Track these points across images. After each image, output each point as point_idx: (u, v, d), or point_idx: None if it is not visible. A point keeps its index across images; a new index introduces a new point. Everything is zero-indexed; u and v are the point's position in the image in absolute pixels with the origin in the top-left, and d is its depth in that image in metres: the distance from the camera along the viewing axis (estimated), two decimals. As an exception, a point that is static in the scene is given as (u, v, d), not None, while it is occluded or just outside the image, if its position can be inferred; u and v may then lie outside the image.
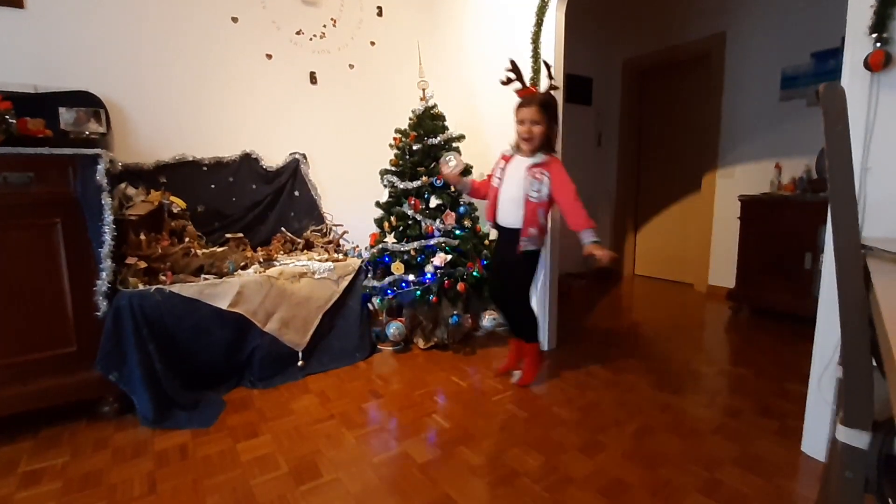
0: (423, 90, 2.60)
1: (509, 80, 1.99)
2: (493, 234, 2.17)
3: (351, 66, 2.99)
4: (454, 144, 2.58)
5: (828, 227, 1.31)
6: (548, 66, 2.10)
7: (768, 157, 3.29)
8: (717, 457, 1.53)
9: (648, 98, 4.27)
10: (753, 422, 1.74)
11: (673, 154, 4.11)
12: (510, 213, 1.95)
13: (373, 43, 3.07)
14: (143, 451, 1.59)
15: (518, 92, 1.97)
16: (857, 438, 0.74)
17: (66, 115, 1.92)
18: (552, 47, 2.32)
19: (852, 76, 1.36)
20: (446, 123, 2.59)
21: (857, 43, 1.34)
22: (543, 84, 2.19)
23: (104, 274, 1.73)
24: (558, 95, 2.35)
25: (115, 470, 1.48)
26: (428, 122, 2.53)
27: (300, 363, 2.19)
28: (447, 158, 2.07)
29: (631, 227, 4.46)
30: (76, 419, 1.78)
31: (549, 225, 2.14)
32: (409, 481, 1.42)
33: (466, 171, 2.31)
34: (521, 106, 1.90)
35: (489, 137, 2.79)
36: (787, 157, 3.18)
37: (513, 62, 1.98)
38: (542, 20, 2.34)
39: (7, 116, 1.65)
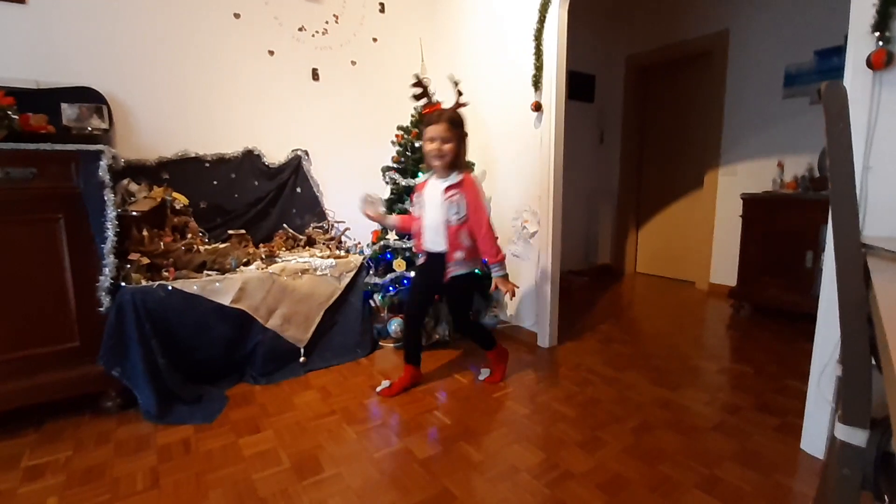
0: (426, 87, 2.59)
1: (418, 97, 1.92)
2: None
3: (353, 63, 2.99)
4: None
5: (829, 226, 1.32)
6: (456, 84, 2.00)
7: (771, 154, 3.28)
8: (717, 453, 1.53)
9: (651, 95, 4.26)
10: (753, 419, 1.75)
11: (675, 151, 4.10)
12: (435, 240, 1.88)
13: (375, 39, 3.06)
14: (146, 446, 1.60)
15: (424, 109, 1.91)
16: (855, 436, 0.74)
17: (68, 111, 1.92)
18: (555, 44, 2.31)
19: (854, 74, 1.35)
20: (448, 120, 2.59)
21: (860, 41, 1.34)
22: (452, 100, 2.08)
23: (107, 270, 1.74)
24: (554, 99, 2.35)
25: (119, 464, 1.50)
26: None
27: (302, 359, 2.20)
28: (371, 199, 2.02)
29: (633, 224, 4.45)
30: (79, 413, 1.80)
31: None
32: (410, 476, 1.43)
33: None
34: (428, 123, 1.83)
35: (491, 133, 2.79)
36: (789, 154, 3.17)
37: (417, 77, 1.92)
38: (544, 17, 2.33)
39: (9, 112, 1.65)
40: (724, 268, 3.60)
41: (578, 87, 4.08)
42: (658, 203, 4.29)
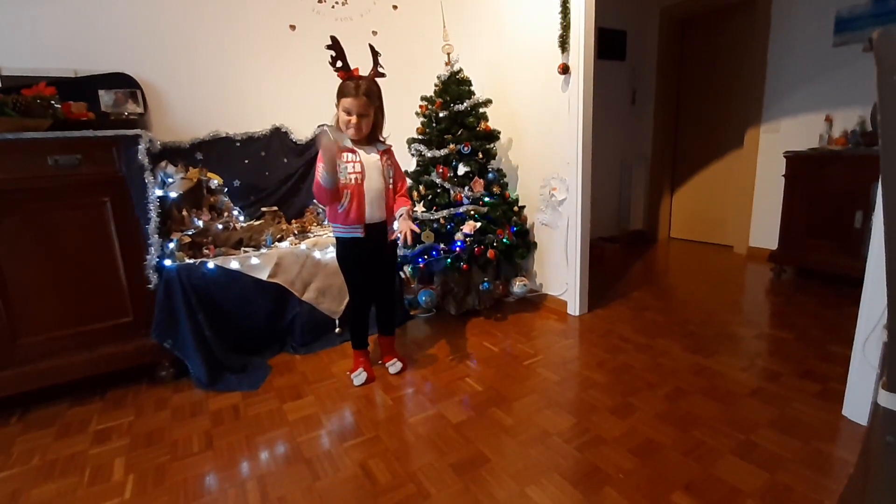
0: (448, 54, 2.53)
1: (334, 60, 1.71)
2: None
3: (374, 33, 2.94)
4: (481, 110, 2.54)
5: (879, 184, 1.24)
6: (375, 53, 1.82)
7: (818, 109, 3.06)
8: (754, 419, 1.52)
9: (688, 50, 4.02)
10: (793, 385, 1.71)
11: (713, 109, 3.89)
12: (376, 208, 1.76)
13: (395, 7, 2.99)
14: (200, 411, 1.72)
15: (339, 74, 1.73)
16: (900, 402, 0.72)
17: (105, 98, 2.00)
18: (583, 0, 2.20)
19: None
20: (472, 88, 2.54)
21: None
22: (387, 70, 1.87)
23: (152, 249, 1.83)
24: (582, 60, 2.25)
25: (176, 428, 1.62)
26: (454, 87, 2.48)
27: (337, 330, 2.29)
28: (324, 129, 1.72)
29: (667, 188, 4.30)
30: (138, 382, 1.94)
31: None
32: (445, 439, 1.49)
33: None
34: (345, 95, 1.68)
35: (519, 101, 2.71)
36: (838, 108, 2.95)
37: (333, 39, 1.70)
38: (571, -29, 2.21)
39: (52, 102, 1.73)
40: (764, 231, 3.45)
41: (608, 44, 3.88)
42: (694, 165, 4.11)
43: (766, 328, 2.25)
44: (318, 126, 2.78)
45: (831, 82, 3.00)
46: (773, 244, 3.15)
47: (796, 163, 2.88)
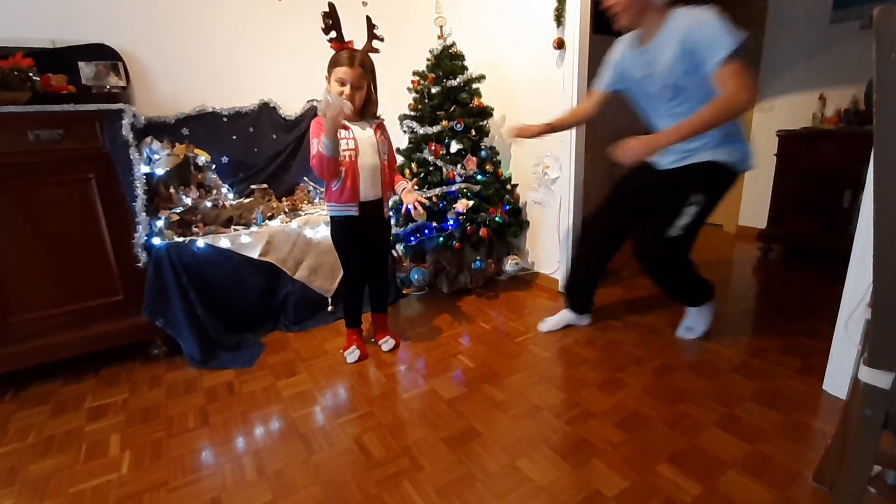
0: (441, 27, 2.47)
1: (328, 28, 1.64)
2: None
3: (364, 3, 2.85)
4: (475, 86, 2.49)
5: (870, 163, 1.25)
6: (371, 26, 1.75)
7: (813, 87, 3.05)
8: (737, 393, 1.56)
9: (683, 25, 3.95)
10: (776, 360, 1.76)
11: (707, 87, 3.85)
12: (370, 185, 1.74)
13: (386, -24, 2.89)
14: (194, 388, 1.73)
15: (333, 45, 1.66)
16: (880, 378, 0.75)
17: (86, 70, 1.93)
18: (579, -28, 2.15)
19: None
20: (466, 63, 2.49)
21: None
22: (376, 43, 1.79)
23: (140, 227, 1.81)
24: (578, 35, 2.21)
25: (171, 405, 1.63)
26: (446, 62, 2.43)
27: (330, 308, 2.29)
28: (327, 90, 1.67)
29: (659, 166, 4.30)
30: (131, 360, 1.94)
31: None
32: (438, 414, 1.52)
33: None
34: (339, 64, 1.62)
35: (512, 77, 2.67)
36: (833, 87, 2.94)
37: (331, 6, 1.63)
38: (568, -59, 2.14)
39: (31, 74, 1.67)
40: (754, 210, 3.48)
41: (605, 19, 3.79)
42: (687, 143, 4.09)
43: (753, 305, 2.30)
44: (307, 101, 2.72)
45: (827, 60, 2.98)
46: (762, 223, 3.18)
47: (789, 142, 2.89)
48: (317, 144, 1.59)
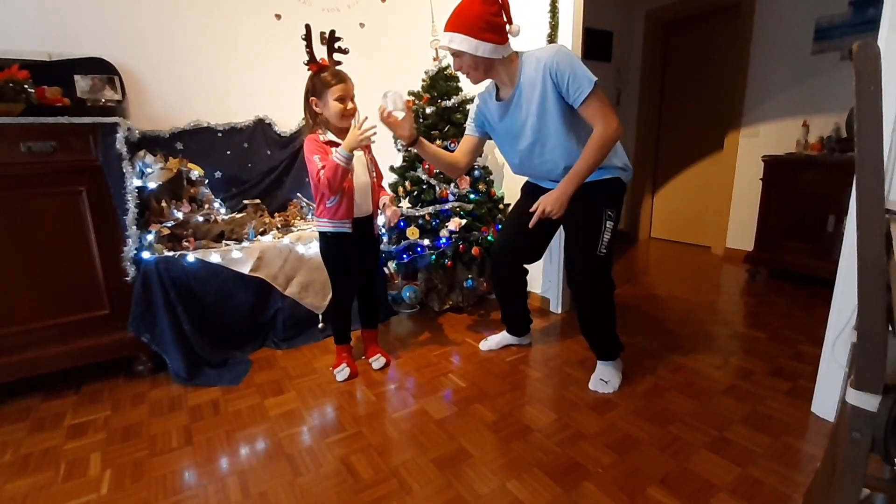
0: (436, 50, 2.52)
1: (310, 53, 1.71)
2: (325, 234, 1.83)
3: (361, 25, 2.90)
4: (468, 106, 2.53)
5: (853, 190, 1.28)
6: (333, 39, 1.80)
7: (796, 114, 3.15)
8: (727, 416, 1.56)
9: (672, 52, 4.08)
10: (765, 383, 1.77)
11: (695, 112, 3.96)
12: (363, 202, 1.78)
13: (383, 0, 2.96)
14: (178, 406, 1.69)
15: (311, 67, 1.71)
16: (867, 401, 0.75)
17: (81, 83, 1.93)
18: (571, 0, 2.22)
19: (891, 30, 1.28)
20: (460, 84, 2.53)
21: (900, -8, 1.26)
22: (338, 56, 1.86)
23: (130, 240, 1.79)
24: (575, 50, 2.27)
25: (154, 423, 1.59)
26: (441, 83, 2.47)
27: (320, 325, 2.27)
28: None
29: (648, 188, 4.37)
30: (114, 376, 1.90)
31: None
32: (427, 435, 1.50)
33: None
34: (334, 84, 1.65)
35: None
36: (816, 114, 3.04)
37: (308, 28, 1.70)
38: (560, -29, 2.22)
39: (25, 86, 1.67)
40: (741, 232, 3.55)
41: (595, 45, 3.92)
42: (675, 166, 4.18)
43: (741, 327, 2.32)
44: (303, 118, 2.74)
45: (809, 89, 3.09)
46: (749, 245, 3.24)
47: (774, 167, 2.96)
48: (319, 160, 1.62)
